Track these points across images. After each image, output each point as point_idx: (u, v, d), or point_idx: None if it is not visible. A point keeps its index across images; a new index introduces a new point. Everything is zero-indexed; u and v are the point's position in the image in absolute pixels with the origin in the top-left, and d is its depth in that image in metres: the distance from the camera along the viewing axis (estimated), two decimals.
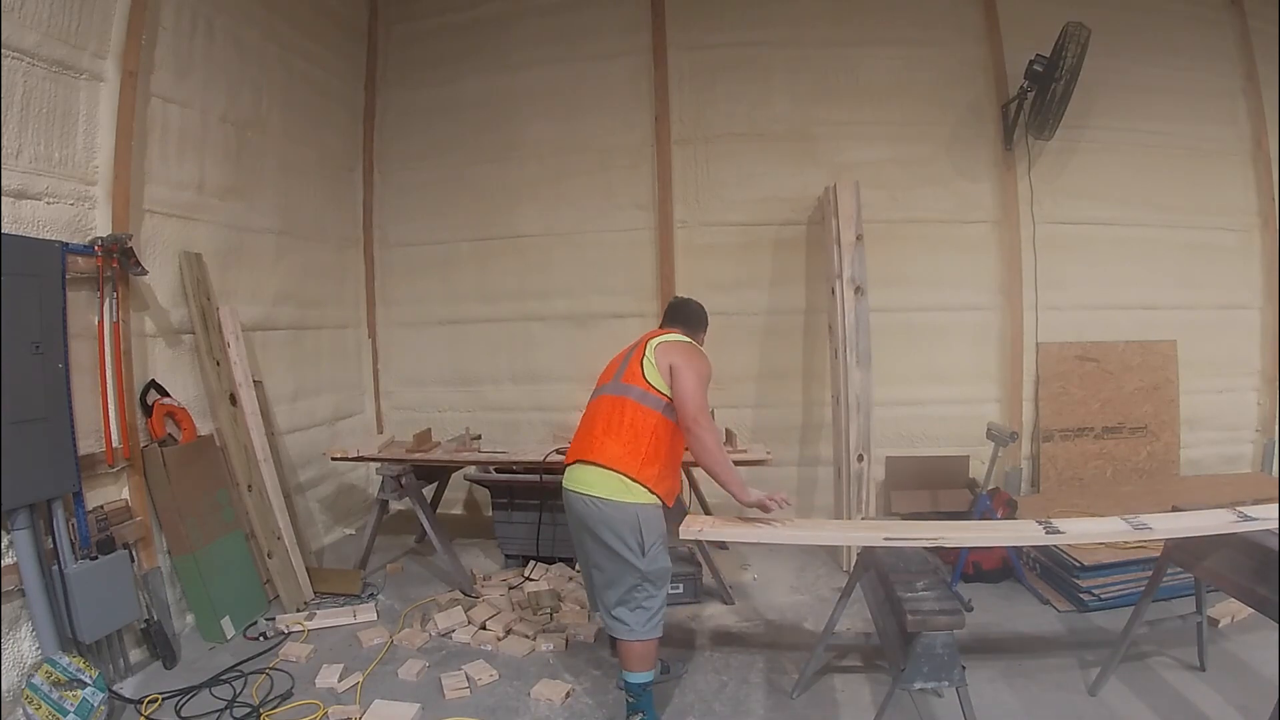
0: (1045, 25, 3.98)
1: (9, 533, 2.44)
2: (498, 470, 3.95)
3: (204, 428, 3.36)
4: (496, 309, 4.85)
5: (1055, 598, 3.31)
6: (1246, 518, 2.32)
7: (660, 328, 2.72)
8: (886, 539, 2.32)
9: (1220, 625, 2.94)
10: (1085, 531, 2.41)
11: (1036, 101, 4.04)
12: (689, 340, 2.57)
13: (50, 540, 2.55)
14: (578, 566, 3.76)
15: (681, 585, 3.37)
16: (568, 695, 2.64)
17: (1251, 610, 2.20)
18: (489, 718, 2.54)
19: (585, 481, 2.33)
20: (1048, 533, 2.34)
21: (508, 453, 3.77)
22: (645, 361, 2.41)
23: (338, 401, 4.74)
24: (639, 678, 2.35)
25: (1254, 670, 2.64)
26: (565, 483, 2.42)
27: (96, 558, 2.63)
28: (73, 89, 2.79)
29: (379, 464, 3.74)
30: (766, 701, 2.60)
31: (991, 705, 2.46)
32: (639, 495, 2.29)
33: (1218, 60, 4.53)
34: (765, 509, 2.39)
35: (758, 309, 4.49)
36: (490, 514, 4.08)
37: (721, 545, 4.03)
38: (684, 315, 2.74)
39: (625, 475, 2.29)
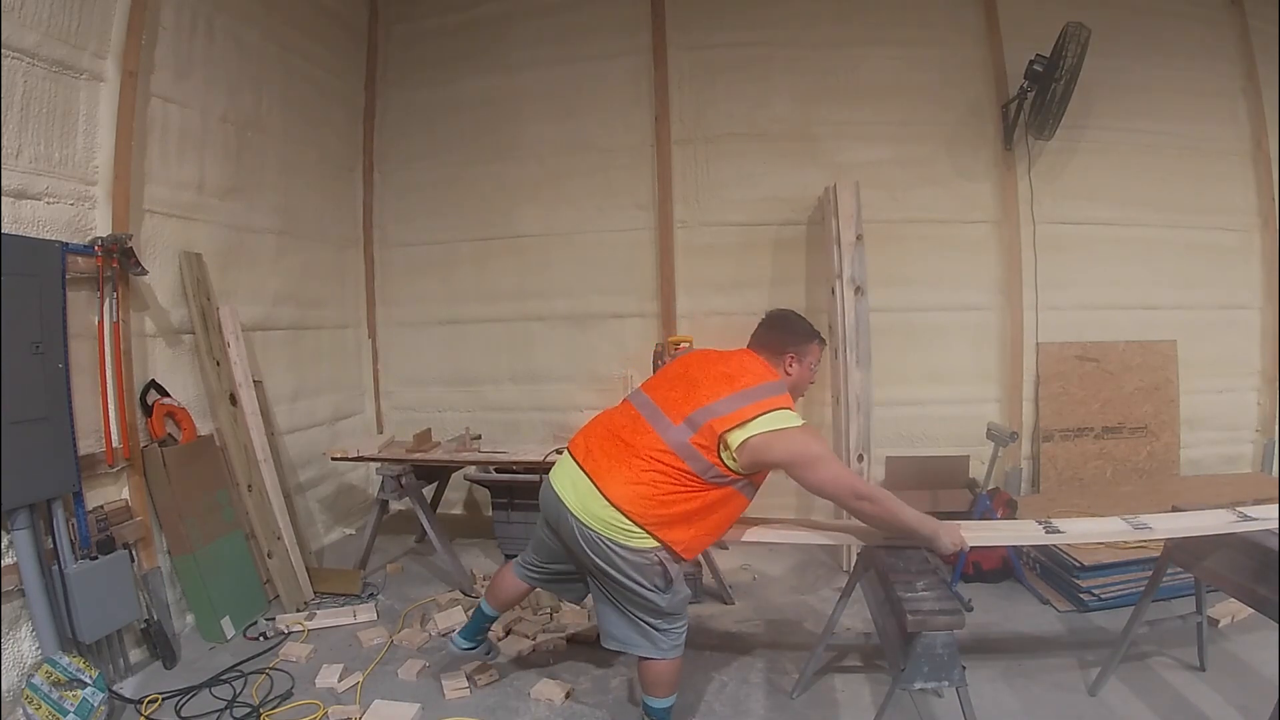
0: (1045, 25, 3.97)
1: (9, 533, 2.44)
2: (498, 470, 3.95)
3: (204, 428, 3.36)
4: (496, 309, 4.85)
5: (1055, 598, 3.31)
6: (1246, 518, 2.31)
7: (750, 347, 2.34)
8: (887, 539, 2.32)
9: (1220, 625, 2.94)
10: (1085, 531, 2.41)
11: (1036, 101, 4.04)
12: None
13: (50, 540, 2.55)
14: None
15: None
16: (567, 695, 2.64)
17: (1251, 610, 2.20)
18: (489, 718, 2.54)
19: None
20: (1048, 532, 2.34)
21: (508, 453, 3.77)
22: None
23: (338, 401, 4.74)
24: (663, 703, 2.14)
25: (1254, 670, 2.64)
26: None
27: (96, 558, 2.63)
28: (73, 89, 2.79)
29: (379, 464, 3.74)
30: (766, 701, 2.60)
31: (991, 705, 2.46)
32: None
33: (1218, 60, 4.52)
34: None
35: (758, 309, 4.38)
36: (490, 514, 4.07)
37: (721, 545, 4.02)
38: (780, 329, 2.31)
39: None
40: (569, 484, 2.13)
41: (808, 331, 2.33)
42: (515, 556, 3.91)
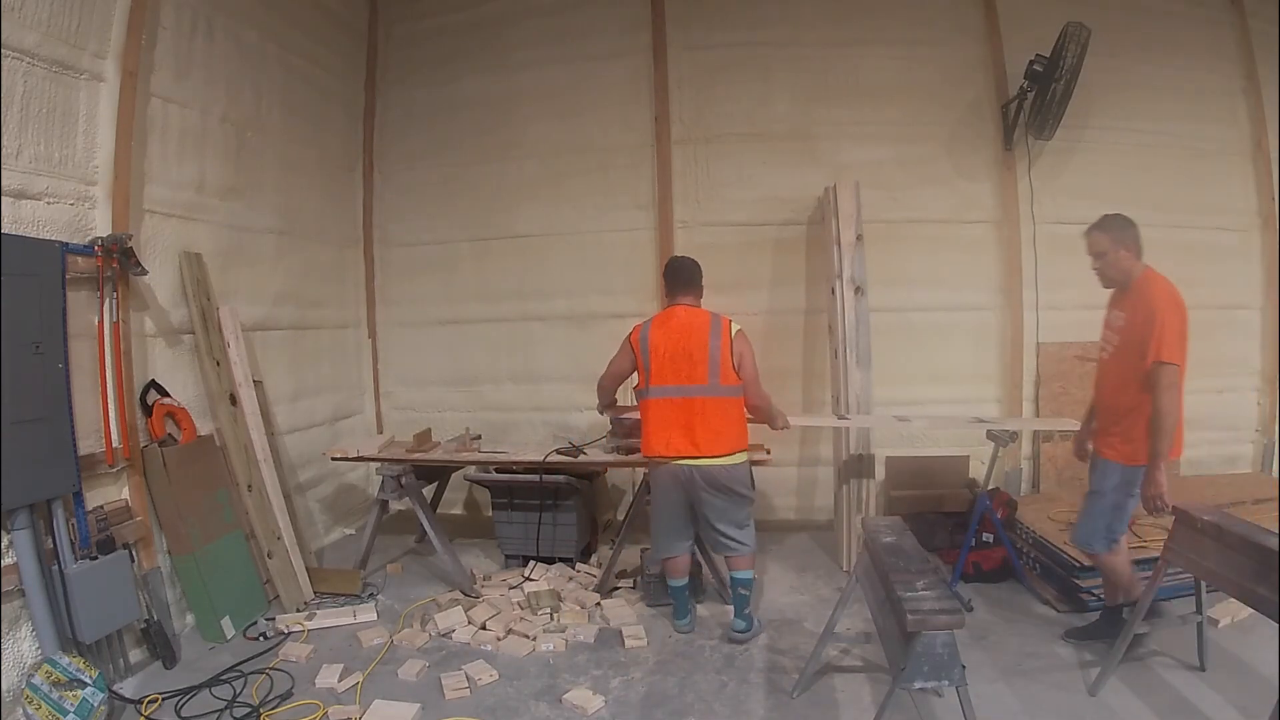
0: (1045, 25, 3.98)
1: (9, 533, 2.44)
2: (498, 470, 3.95)
3: (204, 428, 3.36)
4: (496, 309, 4.85)
5: (1055, 598, 3.31)
6: (844, 417, 3.69)
7: (676, 301, 3.08)
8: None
9: (1220, 625, 2.94)
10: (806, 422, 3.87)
11: (1036, 101, 4.04)
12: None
13: (50, 540, 2.55)
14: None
15: None
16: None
17: (1251, 610, 2.20)
18: (489, 718, 2.54)
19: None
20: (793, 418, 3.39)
21: (508, 453, 3.77)
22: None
23: (338, 401, 4.74)
24: (750, 573, 3.06)
25: (1254, 670, 2.64)
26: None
27: (96, 558, 2.63)
28: (73, 89, 2.79)
29: (379, 464, 3.74)
30: (766, 701, 2.60)
31: (991, 705, 2.46)
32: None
33: (1218, 60, 4.53)
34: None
35: (758, 309, 4.48)
36: (490, 514, 4.08)
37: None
38: (695, 280, 3.14)
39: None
40: (692, 461, 2.92)
41: (697, 267, 3.17)
42: (515, 556, 3.97)
